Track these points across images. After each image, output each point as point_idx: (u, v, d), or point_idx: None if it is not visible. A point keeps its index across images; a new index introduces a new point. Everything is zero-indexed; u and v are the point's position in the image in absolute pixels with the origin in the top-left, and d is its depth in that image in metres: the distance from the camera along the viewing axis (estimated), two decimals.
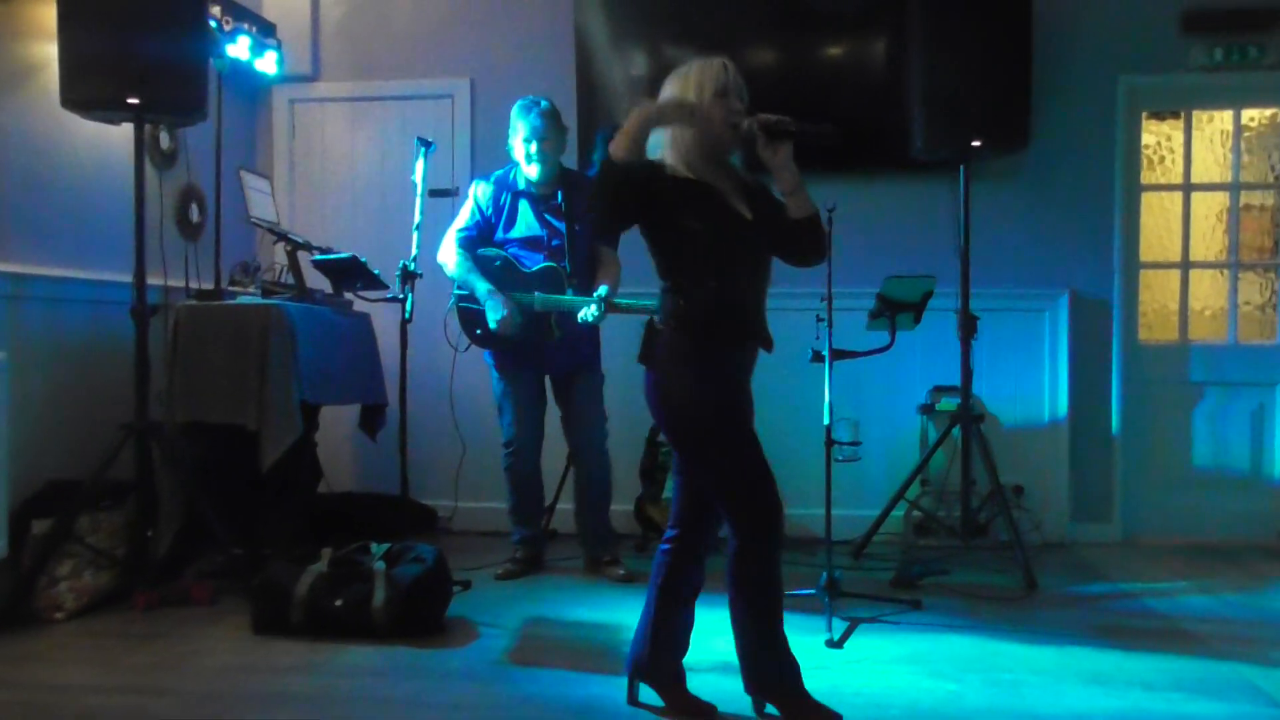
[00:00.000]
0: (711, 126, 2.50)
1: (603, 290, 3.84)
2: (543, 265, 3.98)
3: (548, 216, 4.03)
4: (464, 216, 4.11)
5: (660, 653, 2.67)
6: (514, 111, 3.99)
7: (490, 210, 4.08)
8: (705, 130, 2.50)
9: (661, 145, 2.53)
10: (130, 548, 3.69)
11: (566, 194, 4.01)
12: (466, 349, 4.14)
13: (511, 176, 4.08)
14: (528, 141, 3.95)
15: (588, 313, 3.82)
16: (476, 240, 4.07)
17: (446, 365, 4.41)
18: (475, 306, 4.00)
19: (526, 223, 4.04)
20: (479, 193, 4.11)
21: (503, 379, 4.12)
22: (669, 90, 2.54)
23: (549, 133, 3.94)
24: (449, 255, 4.07)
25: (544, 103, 3.98)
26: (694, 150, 2.52)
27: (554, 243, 4.01)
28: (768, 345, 2.64)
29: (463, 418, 4.54)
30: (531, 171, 4.00)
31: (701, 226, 2.50)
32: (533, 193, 4.05)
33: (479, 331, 4.04)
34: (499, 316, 3.89)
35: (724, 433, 2.54)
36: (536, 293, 3.94)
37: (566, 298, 3.92)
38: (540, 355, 4.04)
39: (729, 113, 2.50)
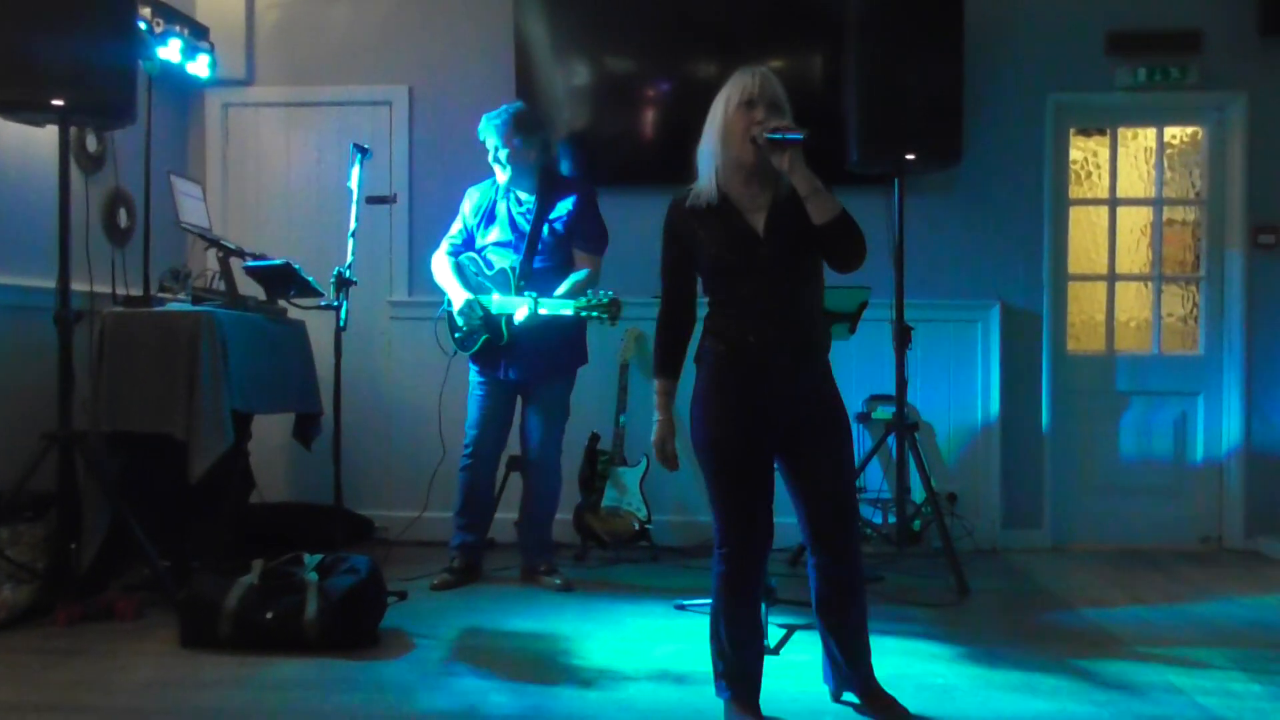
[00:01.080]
0: (734, 140, 2.52)
1: (532, 294, 3.84)
2: (500, 267, 3.99)
3: (520, 219, 4.04)
4: (454, 227, 4.20)
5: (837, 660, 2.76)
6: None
7: (474, 219, 4.13)
8: (728, 144, 2.53)
9: (701, 164, 2.60)
10: (52, 561, 3.58)
11: (541, 196, 4.01)
12: (454, 354, 4.17)
13: (497, 182, 4.11)
14: (493, 148, 3.99)
15: (521, 315, 3.83)
16: (462, 249, 4.15)
17: (382, 373, 4.39)
18: (456, 313, 4.07)
19: (500, 226, 4.07)
20: (465, 202, 4.18)
21: (477, 378, 4.13)
22: (713, 107, 2.59)
23: (506, 138, 3.95)
24: (437, 264, 4.17)
25: (506, 109, 3.99)
26: (722, 168, 2.56)
27: (518, 245, 4.01)
28: (794, 357, 2.59)
29: (399, 426, 4.51)
30: (500, 176, 4.04)
31: (713, 247, 2.57)
32: (511, 196, 4.07)
33: (457, 335, 4.10)
34: (457, 310, 3.99)
35: (706, 454, 2.61)
36: (494, 293, 3.97)
37: (507, 298, 3.92)
38: (504, 359, 4.03)
39: (749, 124, 2.51)
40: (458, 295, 4.03)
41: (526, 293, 3.85)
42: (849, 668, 2.72)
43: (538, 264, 3.99)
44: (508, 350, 4.00)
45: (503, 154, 3.97)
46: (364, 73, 5.10)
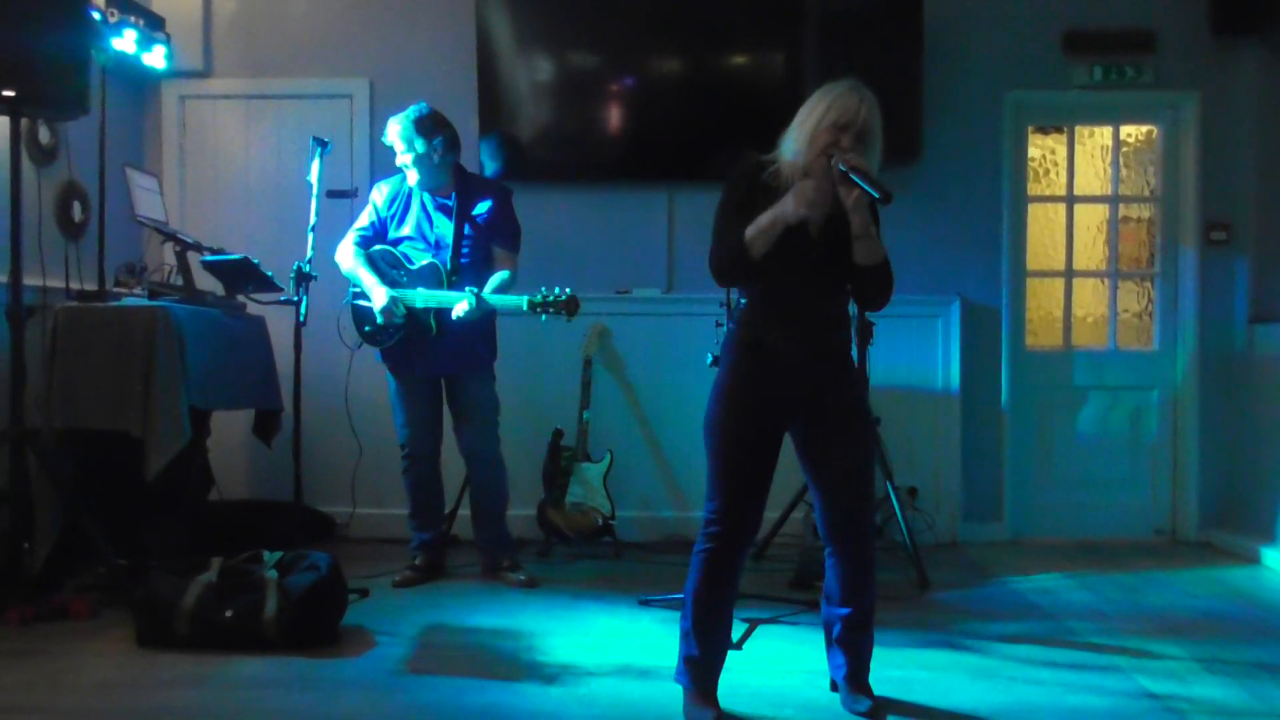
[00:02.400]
0: (813, 149, 2.54)
1: (472, 289, 3.80)
2: (424, 262, 3.96)
3: (437, 215, 4.01)
4: (363, 218, 4.10)
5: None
6: None
7: (387, 210, 4.06)
8: (806, 151, 2.55)
9: (785, 149, 2.61)
10: (4, 560, 3.51)
11: (460, 194, 3.98)
12: (359, 347, 4.11)
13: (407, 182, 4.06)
14: (399, 152, 3.94)
15: (461, 310, 3.79)
16: (373, 240, 4.06)
17: (343, 369, 4.34)
18: (367, 304, 3.96)
19: (416, 221, 4.03)
20: (377, 194, 4.10)
21: (395, 380, 4.08)
22: (814, 98, 2.60)
23: (411, 142, 3.90)
24: (344, 254, 4.05)
25: (408, 113, 3.93)
26: (800, 161, 2.57)
27: (439, 241, 3.98)
28: (809, 352, 2.62)
29: (359, 421, 4.47)
30: (410, 177, 3.98)
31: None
32: (425, 195, 4.02)
33: (368, 329, 4.02)
34: (381, 307, 3.87)
35: (715, 431, 2.62)
36: (420, 288, 3.92)
37: (440, 293, 3.88)
38: (425, 355, 3.99)
39: (829, 144, 2.52)
40: (377, 291, 3.89)
41: (468, 288, 3.81)
42: (844, 657, 2.75)
43: (463, 259, 3.97)
44: (416, 347, 3.96)
45: (410, 156, 3.92)
46: (324, 65, 5.05)
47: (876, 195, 2.46)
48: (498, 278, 3.88)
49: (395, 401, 4.10)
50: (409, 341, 3.96)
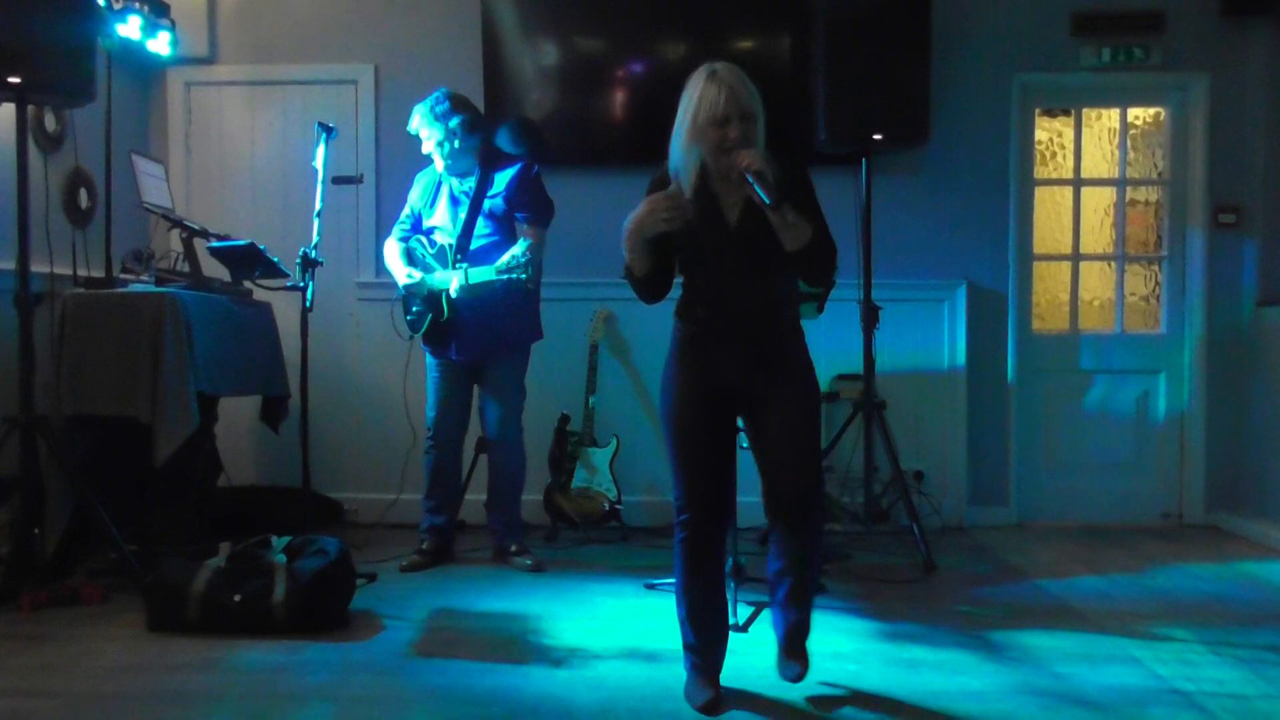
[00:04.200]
0: (708, 148, 2.54)
1: (463, 265, 3.88)
2: (440, 245, 4.01)
3: (461, 195, 4.04)
4: (403, 213, 4.21)
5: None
6: None
7: (420, 202, 4.14)
8: (703, 149, 2.55)
9: (674, 159, 2.61)
10: (15, 546, 3.54)
11: (481, 174, 4.01)
12: (410, 338, 4.16)
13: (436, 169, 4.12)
14: (424, 139, 3.99)
15: (453, 287, 3.87)
16: (412, 233, 4.15)
17: (349, 355, 4.36)
18: (408, 295, 4.08)
19: (441, 208, 4.07)
20: (414, 188, 4.19)
21: (432, 362, 4.13)
22: (683, 97, 2.58)
23: (429, 131, 3.94)
24: (386, 251, 4.19)
25: (427, 101, 3.96)
26: (692, 165, 2.56)
27: (459, 224, 4.00)
28: (760, 339, 2.63)
29: (367, 409, 4.49)
30: (438, 164, 4.04)
31: (687, 230, 2.56)
32: (452, 179, 4.06)
33: (409, 317, 4.11)
34: (401, 286, 4.02)
35: (667, 421, 2.66)
36: (436, 270, 3.97)
37: (445, 271, 3.94)
38: (458, 340, 4.01)
39: (722, 140, 2.52)
40: (401, 272, 4.05)
41: (459, 265, 3.86)
42: (783, 622, 2.77)
43: (482, 239, 3.99)
44: (454, 330, 4.00)
45: (432, 142, 3.96)
46: (329, 51, 5.04)
47: (768, 202, 2.43)
48: (510, 251, 3.87)
49: (429, 384, 4.15)
50: (437, 326, 4.00)
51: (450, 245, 3.97)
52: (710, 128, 2.52)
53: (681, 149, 2.58)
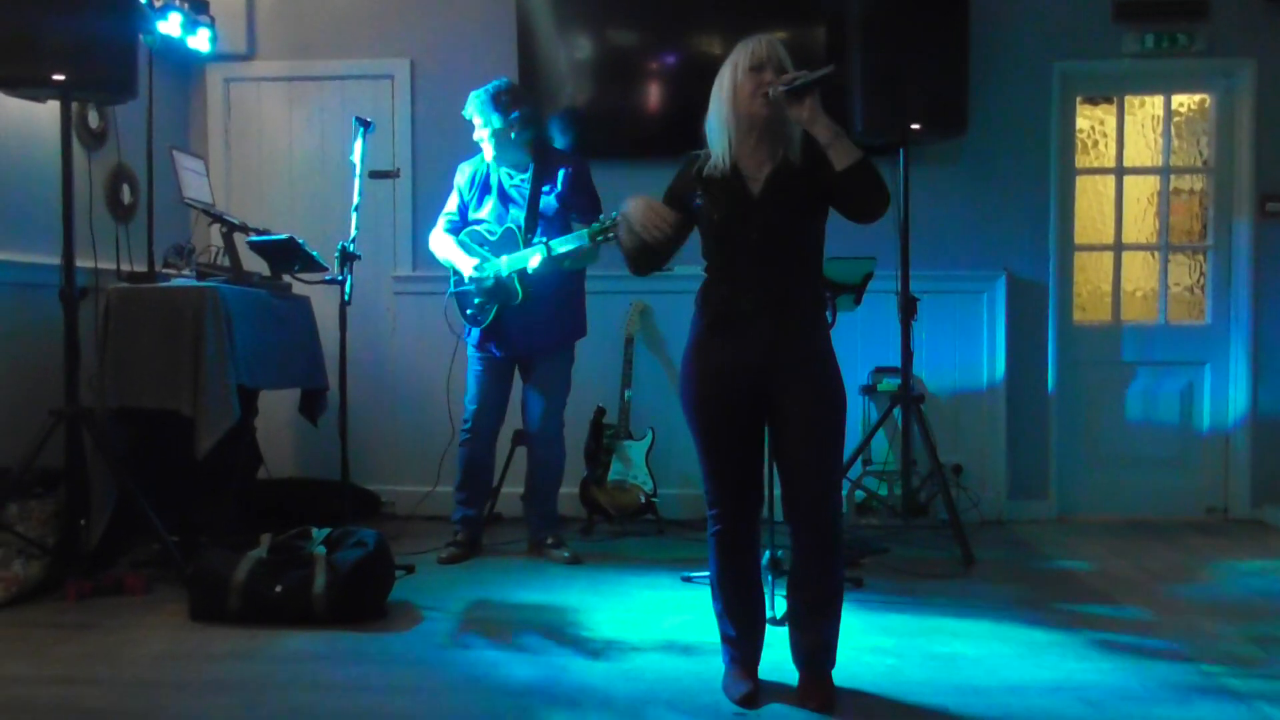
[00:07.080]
0: (744, 101, 2.53)
1: (543, 239, 3.86)
2: (503, 230, 4.00)
3: (512, 190, 4.04)
4: (450, 203, 4.19)
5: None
6: None
7: (470, 191, 4.13)
8: (738, 107, 2.54)
9: (711, 136, 2.60)
10: (61, 536, 3.60)
11: (536, 167, 4.01)
12: (467, 334, 4.16)
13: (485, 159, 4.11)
14: (478, 126, 3.99)
15: (535, 262, 3.84)
16: (459, 224, 4.14)
17: (386, 348, 4.38)
18: (464, 288, 4.06)
19: (493, 199, 4.07)
20: (460, 177, 4.18)
21: (476, 355, 4.13)
22: (720, 73, 2.59)
23: (490, 116, 3.94)
24: (435, 241, 4.17)
25: (487, 87, 3.97)
26: (734, 132, 2.55)
27: (514, 213, 4.01)
28: (781, 328, 2.56)
29: (405, 401, 4.50)
30: (487, 153, 4.04)
31: (712, 211, 2.57)
32: (502, 172, 4.06)
33: (469, 311, 4.09)
34: (469, 275, 3.99)
35: (690, 415, 2.63)
36: (503, 254, 3.96)
37: (517, 252, 3.92)
38: (510, 335, 4.02)
39: (758, 85, 2.51)
40: (466, 262, 4.01)
41: (536, 239, 3.86)
42: (802, 641, 2.65)
43: (537, 233, 3.98)
44: (503, 327, 4.00)
45: (487, 132, 3.96)
46: (365, 46, 5.07)
47: (824, 73, 2.44)
48: (572, 234, 3.87)
49: (470, 376, 4.16)
50: (497, 319, 4.00)
51: (518, 226, 3.96)
52: (749, 76, 2.52)
53: (719, 123, 2.57)
